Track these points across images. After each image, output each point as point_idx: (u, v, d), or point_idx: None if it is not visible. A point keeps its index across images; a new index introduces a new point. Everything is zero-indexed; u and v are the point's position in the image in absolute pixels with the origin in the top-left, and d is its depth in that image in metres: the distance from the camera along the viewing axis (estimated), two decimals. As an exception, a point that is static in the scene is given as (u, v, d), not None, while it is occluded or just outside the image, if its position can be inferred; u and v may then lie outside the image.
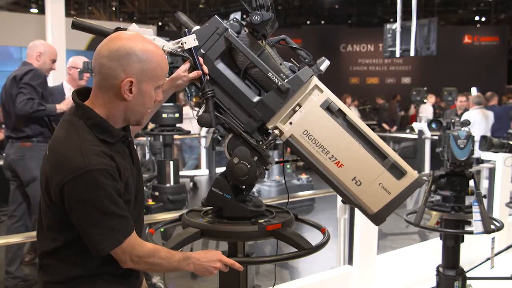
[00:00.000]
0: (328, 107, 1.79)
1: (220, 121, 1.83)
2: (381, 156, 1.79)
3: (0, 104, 4.09)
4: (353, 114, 1.84)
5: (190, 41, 1.75)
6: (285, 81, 1.78)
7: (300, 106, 1.80)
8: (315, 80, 1.81)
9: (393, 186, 1.78)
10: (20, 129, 3.85)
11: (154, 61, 1.49)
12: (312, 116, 1.79)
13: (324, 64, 1.84)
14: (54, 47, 4.18)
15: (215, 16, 1.85)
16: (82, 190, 1.39)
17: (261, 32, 1.82)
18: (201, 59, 1.78)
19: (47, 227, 1.53)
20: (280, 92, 1.78)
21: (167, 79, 1.79)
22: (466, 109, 8.15)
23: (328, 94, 1.81)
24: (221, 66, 1.83)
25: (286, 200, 2.15)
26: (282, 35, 1.91)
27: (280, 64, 1.84)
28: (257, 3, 1.80)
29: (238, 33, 1.84)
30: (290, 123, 1.80)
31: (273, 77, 1.77)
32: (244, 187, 1.90)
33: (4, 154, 4.04)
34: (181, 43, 1.75)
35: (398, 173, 1.79)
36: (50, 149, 1.50)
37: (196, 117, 1.82)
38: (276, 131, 1.81)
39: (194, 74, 1.76)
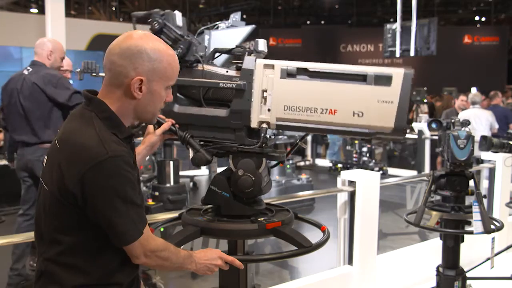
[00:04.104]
0: (288, 74, 1.79)
1: (213, 152, 1.85)
2: (360, 78, 1.76)
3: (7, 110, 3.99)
4: (313, 63, 1.82)
5: None
6: (238, 80, 1.80)
7: (265, 91, 1.80)
8: (261, 61, 1.81)
9: (390, 94, 1.74)
10: (43, 133, 3.83)
11: (165, 60, 1.51)
12: (281, 91, 1.79)
13: (260, 43, 1.87)
14: (61, 44, 4.16)
15: None
16: (105, 176, 1.39)
17: (192, 59, 1.86)
18: (161, 116, 1.81)
19: (53, 228, 1.48)
20: (241, 92, 1.80)
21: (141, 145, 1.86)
22: (465, 109, 8.15)
23: (279, 64, 1.80)
24: (181, 108, 1.86)
25: (286, 200, 2.15)
26: (213, 48, 1.97)
27: (227, 71, 1.86)
28: (171, 39, 1.84)
29: None
30: (269, 110, 1.80)
31: (226, 85, 1.79)
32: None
33: (17, 156, 4.01)
34: None
35: (386, 80, 1.75)
36: (62, 141, 1.47)
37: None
38: (264, 125, 1.82)
39: (163, 127, 1.79)
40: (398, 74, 1.75)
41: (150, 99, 1.52)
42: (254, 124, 1.82)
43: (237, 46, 1.89)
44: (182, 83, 1.83)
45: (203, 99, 1.88)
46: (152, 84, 1.50)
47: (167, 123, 1.81)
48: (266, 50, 1.88)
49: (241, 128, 1.83)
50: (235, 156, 1.87)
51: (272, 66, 1.80)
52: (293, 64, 1.79)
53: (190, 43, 1.84)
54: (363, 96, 1.75)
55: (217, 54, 1.99)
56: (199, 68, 1.88)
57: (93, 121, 1.47)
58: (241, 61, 1.83)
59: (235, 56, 1.90)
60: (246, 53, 1.85)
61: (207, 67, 1.88)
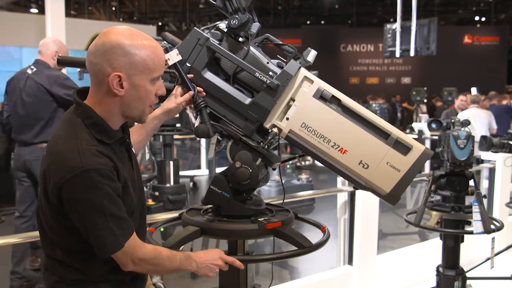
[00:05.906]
0: (321, 96, 1.78)
1: (218, 130, 1.83)
2: (383, 135, 1.78)
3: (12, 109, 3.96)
4: (348, 98, 1.81)
5: (173, 56, 1.74)
6: (274, 78, 1.77)
7: (293, 100, 1.79)
8: (304, 72, 1.80)
9: (401, 163, 1.76)
10: (43, 133, 3.82)
11: (143, 52, 1.44)
12: (307, 108, 1.78)
13: (311, 54, 1.83)
14: (65, 45, 4.15)
15: (195, 28, 1.86)
16: (80, 190, 1.36)
17: (242, 35, 1.83)
18: (190, 76, 1.78)
19: (48, 228, 1.51)
20: (271, 90, 1.77)
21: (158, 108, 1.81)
22: (465, 109, 8.16)
23: (319, 83, 1.79)
24: (209, 75, 1.83)
25: (286, 200, 2.14)
26: (265, 34, 1.92)
27: (267, 62, 1.83)
28: (232, 7, 1.81)
29: (220, 40, 1.84)
30: (287, 118, 1.79)
31: (261, 76, 1.77)
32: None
33: (14, 156, 4.00)
34: (165, 60, 1.70)
35: (404, 148, 1.77)
36: (48, 148, 1.48)
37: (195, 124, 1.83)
38: (275, 129, 1.81)
39: (185, 97, 1.76)
40: (417, 148, 1.78)
41: (135, 94, 1.46)
42: (267, 124, 1.82)
43: (287, 45, 1.85)
44: (224, 54, 1.80)
45: (232, 77, 1.85)
46: (133, 79, 1.44)
47: (189, 94, 1.75)
48: (312, 62, 1.84)
49: (254, 122, 1.82)
50: (234, 143, 1.86)
51: (311, 82, 1.79)
52: (330, 90, 1.79)
53: (248, 19, 1.79)
54: (377, 152, 1.76)
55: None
56: (245, 47, 1.84)
57: (77, 129, 1.44)
58: (286, 61, 1.81)
59: (281, 52, 1.86)
60: (294, 56, 1.81)
61: (252, 50, 1.85)
